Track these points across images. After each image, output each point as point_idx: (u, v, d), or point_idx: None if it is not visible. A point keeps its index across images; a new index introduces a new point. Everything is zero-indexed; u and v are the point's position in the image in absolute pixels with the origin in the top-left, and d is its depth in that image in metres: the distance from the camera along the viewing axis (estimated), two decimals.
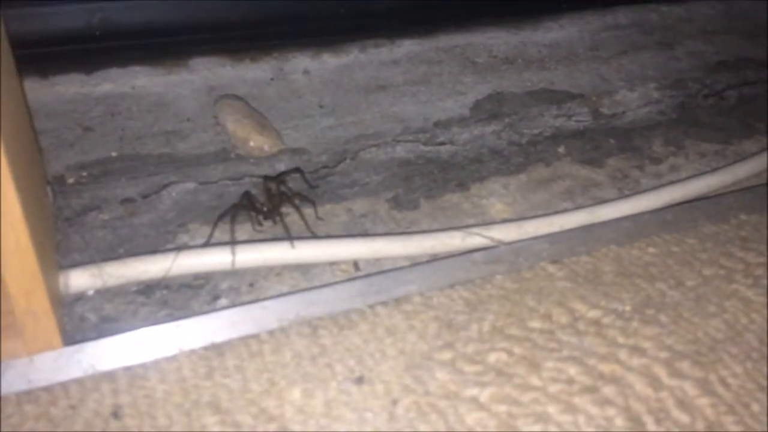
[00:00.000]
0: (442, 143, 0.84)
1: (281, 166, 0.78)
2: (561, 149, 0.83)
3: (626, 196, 0.73)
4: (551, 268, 0.61)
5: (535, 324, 0.55)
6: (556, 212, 0.71)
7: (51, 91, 0.84)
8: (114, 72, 0.88)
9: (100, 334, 0.56)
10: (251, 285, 0.63)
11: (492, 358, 0.52)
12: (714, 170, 0.78)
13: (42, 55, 0.85)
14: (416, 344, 0.53)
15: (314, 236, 0.66)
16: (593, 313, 0.56)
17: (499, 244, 0.65)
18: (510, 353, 0.52)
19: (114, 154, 0.78)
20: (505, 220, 0.70)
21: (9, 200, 0.46)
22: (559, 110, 0.90)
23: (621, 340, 0.53)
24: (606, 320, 0.55)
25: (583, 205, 0.73)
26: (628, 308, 0.56)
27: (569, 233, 0.66)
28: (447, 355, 0.52)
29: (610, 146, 0.84)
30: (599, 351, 0.52)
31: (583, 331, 0.54)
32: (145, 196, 0.72)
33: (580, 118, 0.89)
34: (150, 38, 0.91)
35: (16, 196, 0.46)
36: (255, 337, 0.54)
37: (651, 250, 0.63)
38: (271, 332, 0.54)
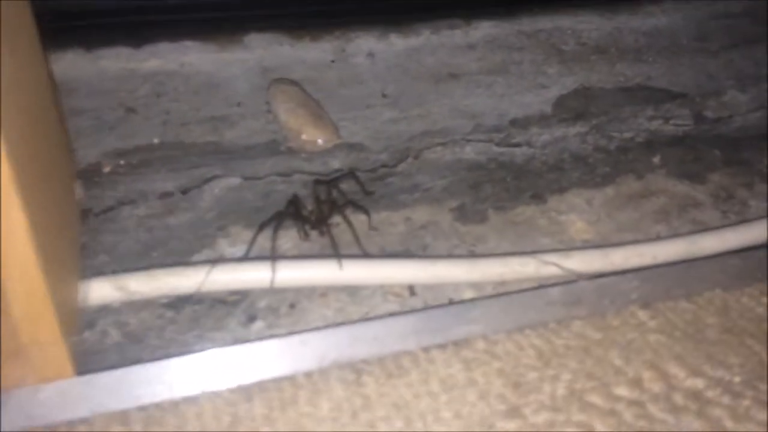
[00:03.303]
0: (518, 145, 0.74)
1: (335, 163, 0.70)
2: (656, 159, 0.73)
3: (734, 224, 0.63)
4: (642, 315, 0.51)
5: (622, 391, 0.45)
6: (649, 240, 0.61)
7: (94, 66, 0.78)
8: (163, 47, 0.82)
9: (120, 355, 0.51)
10: (292, 306, 0.56)
11: None
12: None
13: (87, 27, 0.79)
14: (476, 406, 0.45)
15: (365, 254, 0.58)
16: (693, 382, 0.46)
17: (579, 278, 0.56)
18: (589, 429, 0.43)
19: (156, 140, 0.72)
20: (586, 246, 0.61)
21: (13, 221, 0.39)
22: (655, 111, 0.80)
23: (728, 424, 0.43)
24: (709, 393, 0.45)
25: (681, 233, 0.63)
26: (737, 379, 0.46)
27: (664, 269, 0.57)
28: (512, 425, 0.44)
29: (713, 158, 0.74)
30: None
31: (681, 407, 0.44)
32: (184, 191, 0.66)
33: (679, 121, 0.79)
34: (204, 11, 0.84)
35: (23, 215, 0.40)
36: (290, 379, 0.47)
37: (765, 300, 0.53)
38: (308, 374, 0.47)
